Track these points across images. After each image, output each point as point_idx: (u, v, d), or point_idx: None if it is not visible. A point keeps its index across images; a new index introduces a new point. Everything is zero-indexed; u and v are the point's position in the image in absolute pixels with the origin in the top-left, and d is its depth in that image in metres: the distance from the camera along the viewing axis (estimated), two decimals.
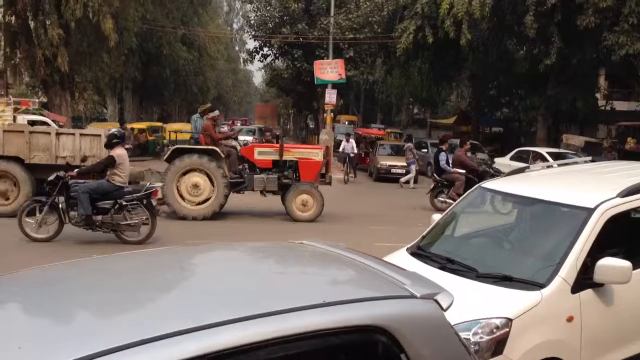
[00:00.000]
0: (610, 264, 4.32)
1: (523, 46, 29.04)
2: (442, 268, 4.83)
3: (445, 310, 2.45)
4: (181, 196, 12.92)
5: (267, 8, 30.58)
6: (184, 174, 12.93)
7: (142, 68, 38.70)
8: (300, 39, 28.57)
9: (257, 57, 33.46)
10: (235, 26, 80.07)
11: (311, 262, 2.95)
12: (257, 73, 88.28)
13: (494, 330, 4.08)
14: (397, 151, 25.01)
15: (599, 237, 4.53)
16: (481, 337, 4.07)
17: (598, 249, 4.50)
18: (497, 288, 4.41)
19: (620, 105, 32.43)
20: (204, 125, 13.56)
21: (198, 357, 1.85)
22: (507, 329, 4.08)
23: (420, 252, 5.33)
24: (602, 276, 4.35)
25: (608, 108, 31.11)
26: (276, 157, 13.60)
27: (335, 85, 26.75)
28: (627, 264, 4.32)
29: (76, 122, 25.74)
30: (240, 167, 13.66)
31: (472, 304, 4.27)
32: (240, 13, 74.18)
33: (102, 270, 2.73)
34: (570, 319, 4.32)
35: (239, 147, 14.64)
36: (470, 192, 6.02)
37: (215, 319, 1.98)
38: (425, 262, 5.04)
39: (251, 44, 75.54)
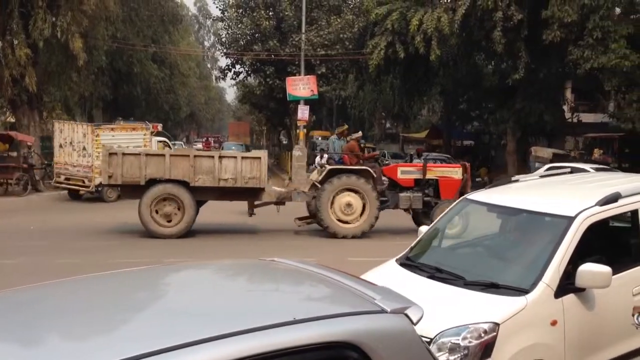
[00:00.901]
0: (591, 270, 4.49)
1: (491, 61, 29.62)
2: (431, 277, 5.01)
3: (415, 324, 2.47)
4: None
5: (239, 25, 30.67)
6: (337, 193, 13.44)
7: (113, 86, 38.43)
8: (272, 55, 28.71)
9: (229, 74, 33.54)
10: (206, 43, 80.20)
11: (281, 280, 2.95)
12: (229, 90, 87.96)
13: (482, 335, 4.23)
14: None
15: (579, 244, 4.72)
16: (470, 342, 4.22)
17: (579, 256, 4.69)
18: (484, 295, 4.59)
19: (586, 118, 33.15)
20: (350, 146, 14.30)
21: None
22: (495, 333, 4.24)
23: (409, 263, 5.51)
24: (583, 281, 4.52)
25: (575, 120, 31.76)
26: (419, 176, 14.16)
27: (307, 101, 26.88)
28: (607, 269, 4.50)
29: (44, 142, 25.23)
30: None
31: (460, 310, 4.48)
32: (212, 30, 74.36)
33: (74, 292, 2.69)
34: (554, 323, 4.47)
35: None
36: (456, 204, 6.22)
37: (180, 340, 1.96)
38: (414, 272, 5.23)
39: (223, 61, 75.50)
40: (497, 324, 4.27)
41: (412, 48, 24.75)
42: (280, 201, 13.83)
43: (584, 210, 4.89)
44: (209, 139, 59.77)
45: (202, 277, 3.03)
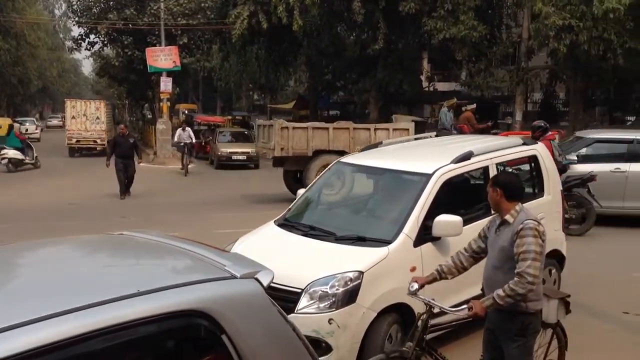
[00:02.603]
0: (445, 220, 5.03)
1: (353, 32, 30.25)
2: (306, 235, 5.46)
3: (266, 288, 2.49)
4: None
5: None
6: None
7: None
8: (130, 25, 27.28)
9: (84, 44, 31.47)
10: (57, 12, 74.37)
11: (127, 253, 2.85)
12: (86, 62, 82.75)
13: (348, 283, 4.67)
14: (238, 138, 24.95)
15: (436, 198, 5.27)
16: (337, 289, 4.64)
17: (437, 208, 5.20)
18: (352, 247, 5.06)
19: (441, 86, 35.16)
20: (467, 116, 15.32)
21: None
22: (359, 281, 4.69)
23: (286, 223, 5.91)
24: (438, 230, 5.07)
25: (431, 89, 33.54)
26: None
27: (170, 73, 25.99)
28: (458, 219, 5.04)
29: None
30: None
31: (329, 262, 4.91)
32: None
33: None
34: (413, 269, 4.96)
35: None
36: (331, 166, 6.62)
37: (13, 320, 1.85)
38: (290, 231, 5.65)
39: (77, 31, 70.69)
40: (361, 272, 4.71)
41: (275, 18, 24.62)
42: None
43: (440, 167, 5.43)
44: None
45: (44, 255, 2.86)
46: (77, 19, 30.62)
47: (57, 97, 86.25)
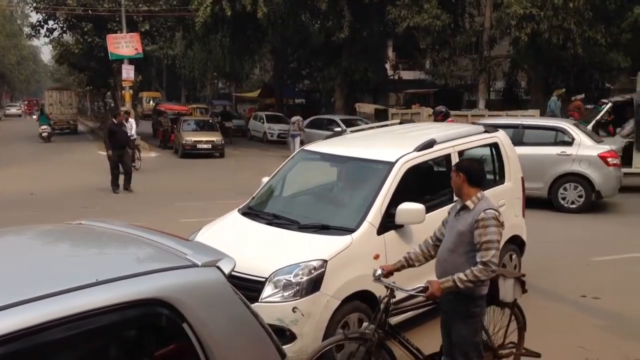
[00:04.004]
0: (407, 208, 5.06)
1: (317, 20, 30.15)
2: (269, 223, 5.44)
3: (227, 276, 2.48)
4: None
5: None
6: None
7: None
8: (89, 11, 26.64)
9: (43, 31, 30.64)
10: None
11: (87, 242, 2.80)
12: (45, 49, 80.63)
13: (312, 271, 4.67)
14: (203, 126, 24.69)
15: (400, 186, 5.29)
16: (301, 278, 4.64)
17: (400, 196, 5.21)
18: (315, 236, 5.05)
19: (406, 75, 35.32)
20: (577, 105, 16.30)
21: None
22: (323, 269, 4.69)
23: (249, 212, 5.87)
24: (401, 218, 5.10)
25: (396, 77, 33.69)
26: None
27: (132, 61, 25.55)
28: (420, 206, 5.07)
29: None
30: None
31: (293, 251, 4.89)
32: None
33: None
34: (376, 257, 5.00)
35: None
36: (295, 154, 6.62)
37: None
38: (253, 220, 5.61)
39: (35, 17, 68.73)
40: (325, 261, 4.73)
41: (239, 5, 24.37)
42: None
43: (403, 155, 5.45)
44: (31, 102, 67.48)
45: (1, 244, 2.79)
46: (35, 4, 29.76)
47: (15, 85, 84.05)
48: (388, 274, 4.13)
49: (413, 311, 4.61)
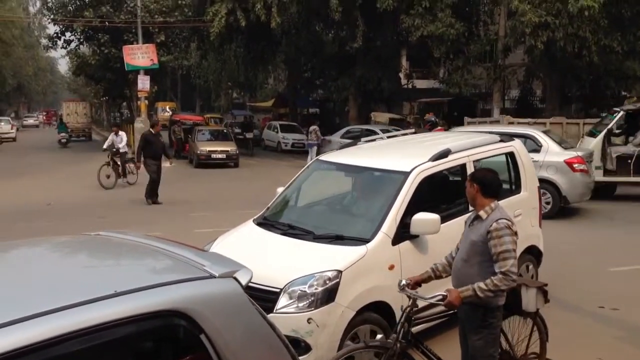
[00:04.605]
0: (422, 218, 5.02)
1: (331, 29, 30.24)
2: (284, 234, 5.43)
3: (244, 287, 2.48)
4: None
5: None
6: None
7: None
8: (106, 22, 26.94)
9: (60, 42, 31.03)
10: (31, 9, 73.14)
11: (106, 253, 2.82)
12: (62, 61, 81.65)
13: (327, 282, 4.64)
14: (217, 136, 24.83)
15: (414, 196, 5.26)
16: (316, 289, 4.63)
17: (415, 206, 5.19)
18: (330, 246, 5.03)
19: (420, 84, 35.25)
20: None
21: None
22: (338, 280, 4.66)
23: (264, 222, 5.88)
24: (416, 228, 5.07)
25: (410, 86, 33.65)
26: None
27: (148, 71, 25.76)
28: (436, 216, 5.04)
29: None
30: None
31: (308, 261, 4.88)
32: None
33: None
34: (391, 267, 4.98)
35: None
36: (310, 164, 6.60)
37: None
38: (269, 230, 5.61)
39: (52, 29, 69.59)
40: (340, 271, 4.70)
41: (253, 16, 24.51)
42: None
43: (418, 165, 5.43)
44: (50, 112, 71.79)
45: (20, 256, 2.83)
46: (52, 16, 30.17)
47: (32, 96, 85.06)
48: (415, 284, 4.12)
49: (433, 321, 4.58)
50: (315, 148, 21.86)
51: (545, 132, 12.51)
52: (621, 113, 14.34)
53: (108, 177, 16.92)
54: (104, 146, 18.12)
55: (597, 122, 15.78)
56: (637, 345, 5.85)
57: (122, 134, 18.57)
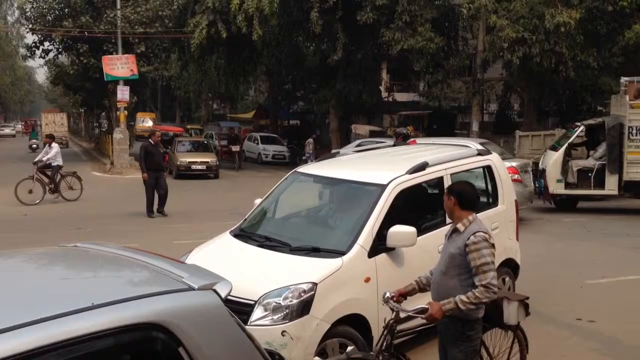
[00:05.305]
0: (399, 231, 5.01)
1: (312, 42, 30.39)
2: (261, 245, 5.38)
3: (223, 299, 2.48)
4: None
5: None
6: None
7: None
8: (85, 32, 26.71)
9: (38, 52, 30.66)
10: (10, 19, 72.45)
11: (83, 265, 2.79)
12: (40, 70, 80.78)
13: (302, 294, 4.62)
14: (197, 147, 24.71)
15: (391, 208, 5.25)
16: (291, 301, 4.63)
17: (392, 219, 5.17)
18: (306, 258, 4.99)
19: (400, 97, 35.59)
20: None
21: None
22: (313, 292, 4.64)
23: (241, 233, 5.83)
24: (392, 241, 5.05)
25: (390, 99, 33.90)
26: None
27: (127, 82, 25.58)
28: (412, 230, 5.03)
29: None
30: None
31: (283, 273, 4.85)
32: (16, 4, 67.28)
33: None
34: (367, 280, 4.97)
35: None
36: (288, 176, 6.54)
37: None
38: (245, 242, 5.56)
39: (31, 38, 68.86)
40: (315, 284, 4.68)
41: (234, 28, 24.55)
42: None
43: (395, 178, 5.42)
44: (29, 122, 70.74)
45: None
46: (30, 25, 29.83)
47: (9, 106, 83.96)
48: (400, 297, 4.11)
49: (414, 334, 4.59)
50: (309, 161, 21.97)
51: (483, 144, 12.73)
52: (582, 127, 14.67)
53: (30, 192, 15.57)
54: (36, 159, 16.57)
55: (561, 136, 16.05)
56: (614, 357, 5.92)
57: (55, 145, 16.78)
